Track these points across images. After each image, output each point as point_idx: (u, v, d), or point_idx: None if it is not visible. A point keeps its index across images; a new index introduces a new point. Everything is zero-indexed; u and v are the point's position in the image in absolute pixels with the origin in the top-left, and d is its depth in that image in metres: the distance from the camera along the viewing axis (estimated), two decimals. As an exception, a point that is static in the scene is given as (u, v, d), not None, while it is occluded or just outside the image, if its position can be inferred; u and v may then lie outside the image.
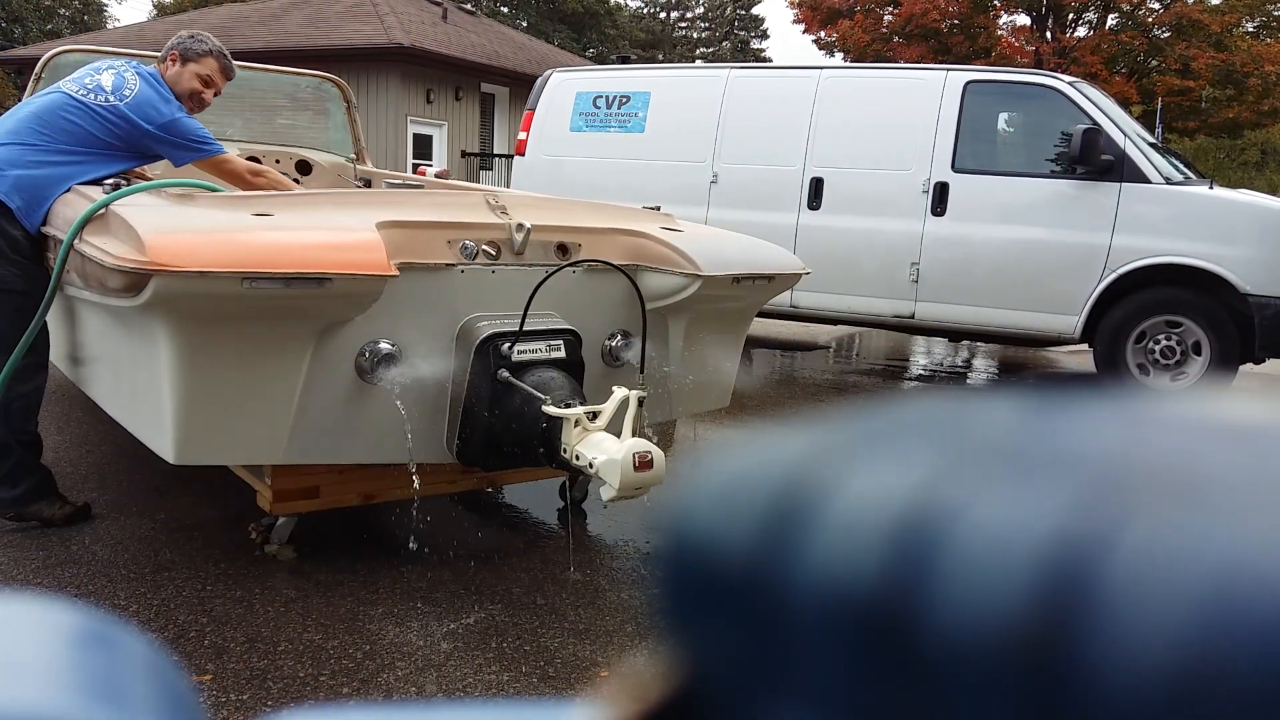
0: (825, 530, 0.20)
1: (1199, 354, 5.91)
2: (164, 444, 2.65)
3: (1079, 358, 7.44)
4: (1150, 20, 22.76)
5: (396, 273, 2.57)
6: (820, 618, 0.19)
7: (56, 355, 3.39)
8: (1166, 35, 22.65)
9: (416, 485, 2.85)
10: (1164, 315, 5.98)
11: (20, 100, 3.71)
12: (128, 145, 3.24)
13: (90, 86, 3.22)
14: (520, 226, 2.96)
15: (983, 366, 7.93)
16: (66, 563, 2.93)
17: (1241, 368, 6.00)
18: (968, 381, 7.37)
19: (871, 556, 0.19)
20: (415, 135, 17.45)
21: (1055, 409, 0.22)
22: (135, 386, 2.81)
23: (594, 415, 2.69)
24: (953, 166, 6.44)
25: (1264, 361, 6.06)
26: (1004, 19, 24.71)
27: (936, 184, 6.45)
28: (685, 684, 0.22)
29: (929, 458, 0.20)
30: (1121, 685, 0.16)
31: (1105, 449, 0.20)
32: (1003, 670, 0.17)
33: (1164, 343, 5.99)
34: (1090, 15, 23.81)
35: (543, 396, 2.71)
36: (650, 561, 0.24)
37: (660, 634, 0.22)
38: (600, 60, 27.04)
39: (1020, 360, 8.01)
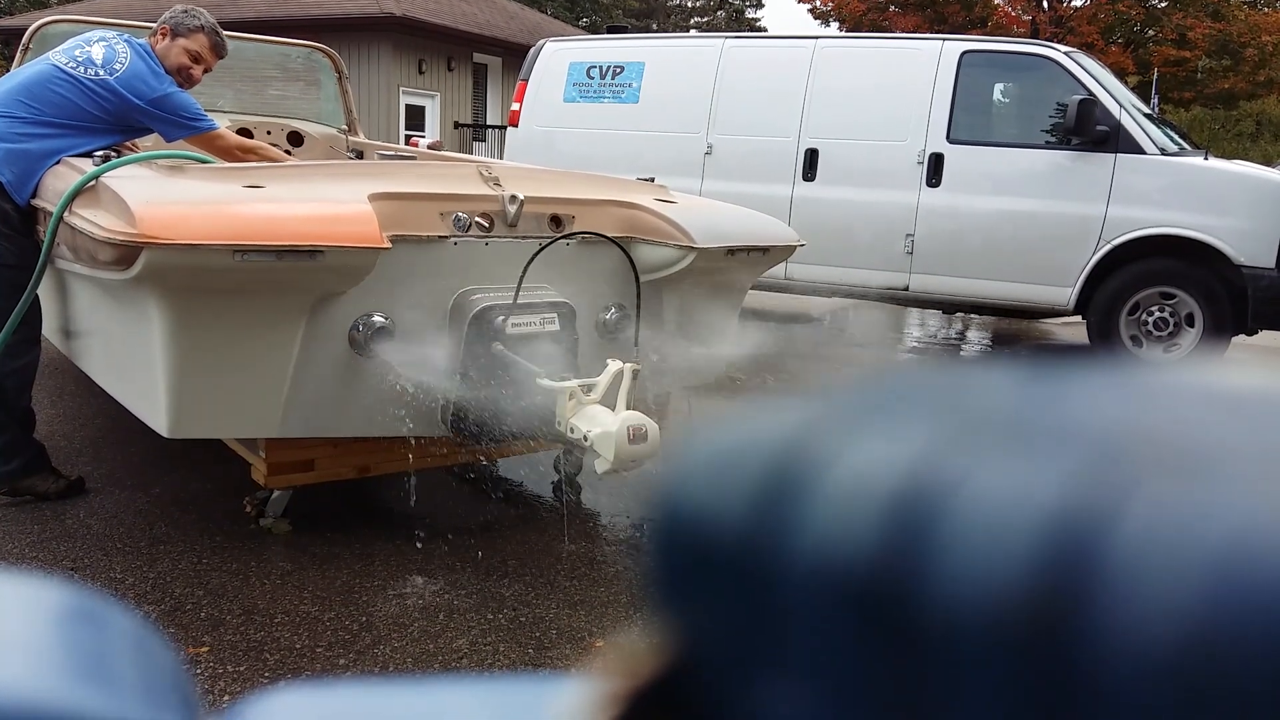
0: (821, 503, 0.20)
1: (1192, 326, 5.93)
2: (158, 417, 2.64)
3: (1072, 330, 7.45)
4: (1147, -11, 22.63)
5: (389, 245, 2.56)
6: (815, 592, 0.19)
7: (48, 329, 3.37)
8: (1163, 5, 22.52)
9: (411, 459, 2.85)
10: (1158, 287, 5.98)
11: (8, 71, 3.66)
12: (117, 120, 3.20)
13: (80, 59, 3.18)
14: (513, 198, 2.94)
15: (977, 339, 7.94)
16: (61, 537, 2.94)
17: (1234, 339, 6.02)
18: (962, 354, 7.38)
19: (868, 530, 0.19)
20: (407, 106, 17.32)
21: (1054, 380, 0.21)
22: (128, 359, 2.81)
23: (588, 388, 2.69)
24: (948, 137, 6.41)
25: (1257, 333, 6.08)
26: (1000, -12, 24.54)
27: (932, 155, 6.43)
28: (678, 658, 0.21)
29: (926, 430, 0.20)
30: (1125, 662, 0.16)
31: (1106, 420, 0.19)
32: (1003, 646, 0.17)
33: (1157, 314, 6.00)
34: (1087, -16, 23.66)
35: (537, 370, 2.71)
36: (644, 534, 0.23)
37: (653, 608, 0.22)
38: (594, 30, 26.82)
39: (1014, 332, 8.02)
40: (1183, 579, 0.16)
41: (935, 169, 6.42)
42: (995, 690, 0.17)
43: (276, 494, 3.03)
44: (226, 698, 2.18)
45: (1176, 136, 6.61)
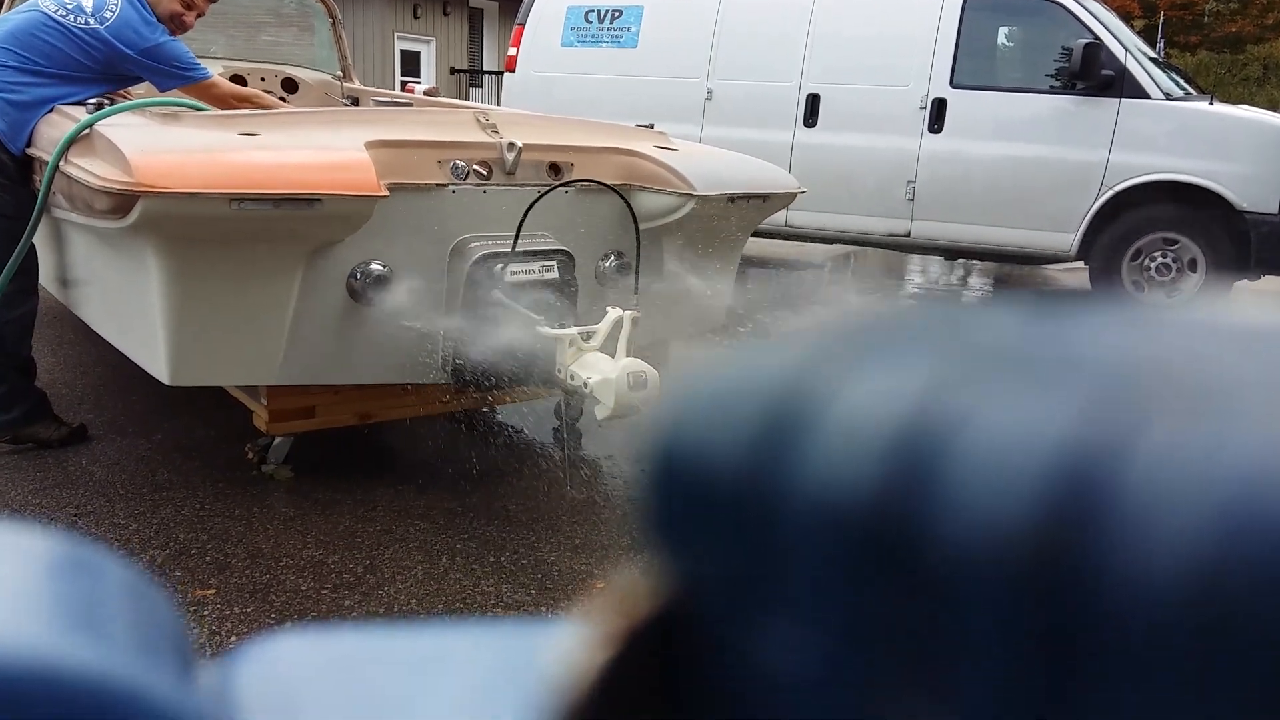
0: (821, 440, 0.19)
1: (1194, 271, 5.91)
2: (158, 365, 2.65)
3: (1074, 276, 7.43)
4: (1156, -71, 22.18)
5: (387, 193, 2.54)
6: (816, 531, 0.19)
7: (46, 278, 3.36)
8: (1172, -55, 22.10)
9: (412, 407, 2.86)
10: (1161, 233, 5.95)
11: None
12: (108, 69, 3.15)
13: (70, 6, 3.12)
14: (511, 145, 2.92)
15: (978, 285, 7.92)
16: (64, 483, 2.96)
17: (1236, 285, 6.01)
18: (963, 299, 7.36)
19: (870, 467, 0.18)
20: (403, 52, 17.07)
21: (1061, 315, 0.21)
22: (127, 308, 2.80)
23: (588, 336, 2.70)
24: (951, 82, 6.33)
25: (1259, 279, 6.06)
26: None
27: (934, 100, 6.35)
28: (676, 599, 0.21)
29: (931, 364, 0.19)
30: (1135, 600, 0.15)
31: (1115, 353, 0.19)
32: (1010, 585, 0.16)
33: (1160, 260, 5.98)
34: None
35: (537, 317, 2.71)
36: (643, 476, 0.23)
37: (651, 549, 0.22)
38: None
39: (1016, 279, 8.00)
40: (1195, 515, 0.15)
41: (938, 114, 6.35)
42: (1002, 630, 0.16)
43: (278, 440, 3.05)
44: (234, 638, 2.21)
45: (1182, 81, 6.53)
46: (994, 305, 0.22)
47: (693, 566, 0.21)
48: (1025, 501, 0.16)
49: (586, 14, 7.43)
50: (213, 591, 2.39)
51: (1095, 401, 0.17)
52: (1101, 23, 6.14)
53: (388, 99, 4.89)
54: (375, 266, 2.74)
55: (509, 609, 2.40)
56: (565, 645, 0.23)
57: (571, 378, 2.65)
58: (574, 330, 2.68)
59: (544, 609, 2.41)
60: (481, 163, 2.90)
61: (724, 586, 0.20)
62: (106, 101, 2.89)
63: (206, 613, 2.30)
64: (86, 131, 2.69)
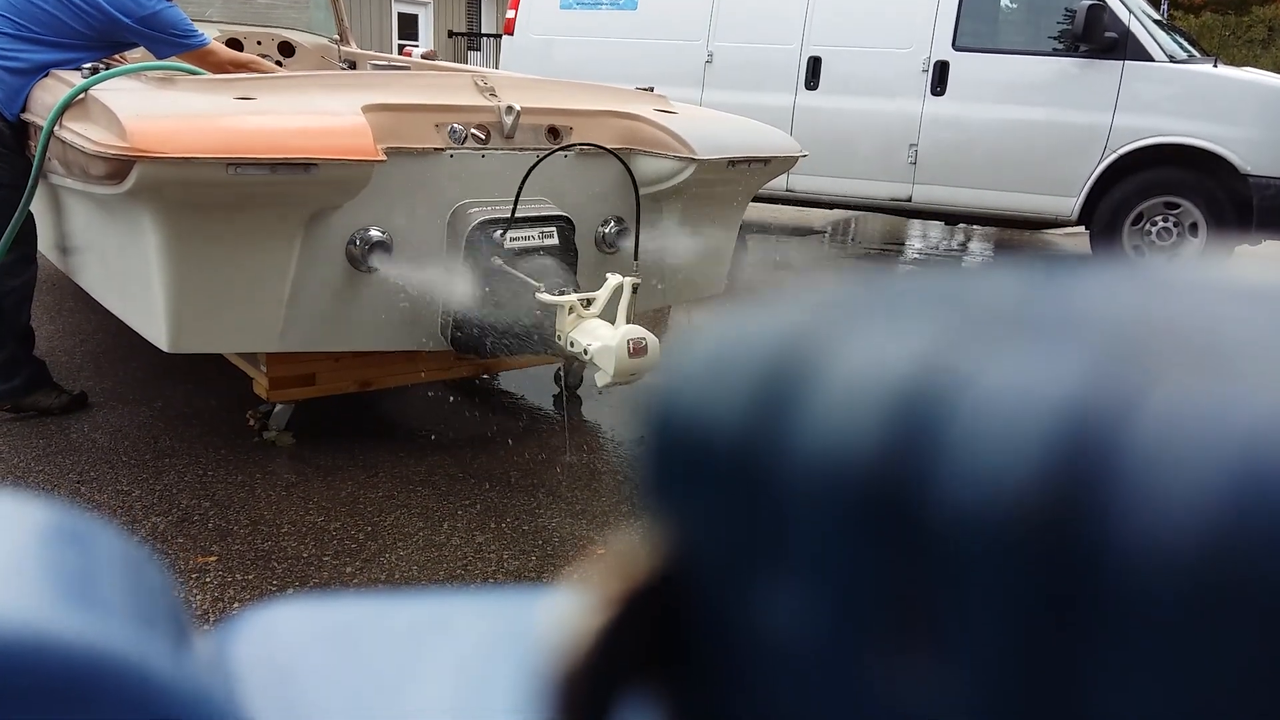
0: (822, 401, 0.19)
1: (1195, 236, 5.89)
2: (158, 332, 2.64)
3: (1075, 241, 7.40)
4: (1163, -113, 21.85)
5: (384, 158, 2.53)
6: (817, 493, 0.18)
7: (45, 245, 3.35)
8: (1178, -97, 21.78)
9: (412, 373, 2.86)
10: (1163, 197, 5.92)
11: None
12: (104, 36, 3.12)
13: None
14: (510, 109, 2.89)
15: (979, 250, 7.89)
16: (66, 450, 2.97)
17: (1237, 250, 5.99)
18: (964, 263, 7.34)
19: (872, 428, 0.18)
20: (400, 15, 16.89)
21: (1065, 274, 0.20)
22: (126, 275, 2.79)
23: (588, 302, 2.69)
24: (954, 44, 6.27)
25: (1260, 243, 6.04)
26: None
27: (937, 63, 6.29)
28: (674, 562, 0.21)
29: (933, 324, 0.19)
30: (1142, 563, 0.15)
31: (1121, 312, 0.18)
32: (1013, 548, 0.16)
33: (1161, 225, 5.95)
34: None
35: (536, 284, 2.70)
36: (642, 440, 0.23)
37: (649, 512, 0.22)
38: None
39: (1016, 244, 7.97)
40: (1203, 475, 0.15)
41: (940, 77, 6.29)
42: (1004, 594, 0.16)
43: (279, 408, 3.06)
44: (236, 605, 2.23)
45: (1186, 43, 6.46)
46: (996, 267, 0.22)
47: (691, 530, 0.21)
48: (1029, 463, 0.16)
49: (585, -24, 7.35)
50: (215, 558, 2.41)
51: (1102, 360, 0.17)
52: (1106, -16, 6.06)
53: (385, 62, 4.84)
54: (374, 233, 2.73)
55: (510, 575, 2.42)
56: (563, 610, 0.22)
57: (571, 344, 2.64)
58: (574, 297, 2.68)
59: (545, 575, 2.42)
60: (480, 126, 2.88)
61: (723, 550, 0.20)
62: (102, 66, 2.86)
63: (209, 580, 2.31)
64: (82, 96, 2.67)
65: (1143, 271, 0.20)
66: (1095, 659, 0.15)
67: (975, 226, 7.85)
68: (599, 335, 2.59)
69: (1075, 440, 0.16)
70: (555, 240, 2.86)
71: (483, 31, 18.21)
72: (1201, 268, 0.20)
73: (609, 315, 2.66)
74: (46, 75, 3.02)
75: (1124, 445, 0.16)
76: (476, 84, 3.01)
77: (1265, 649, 0.14)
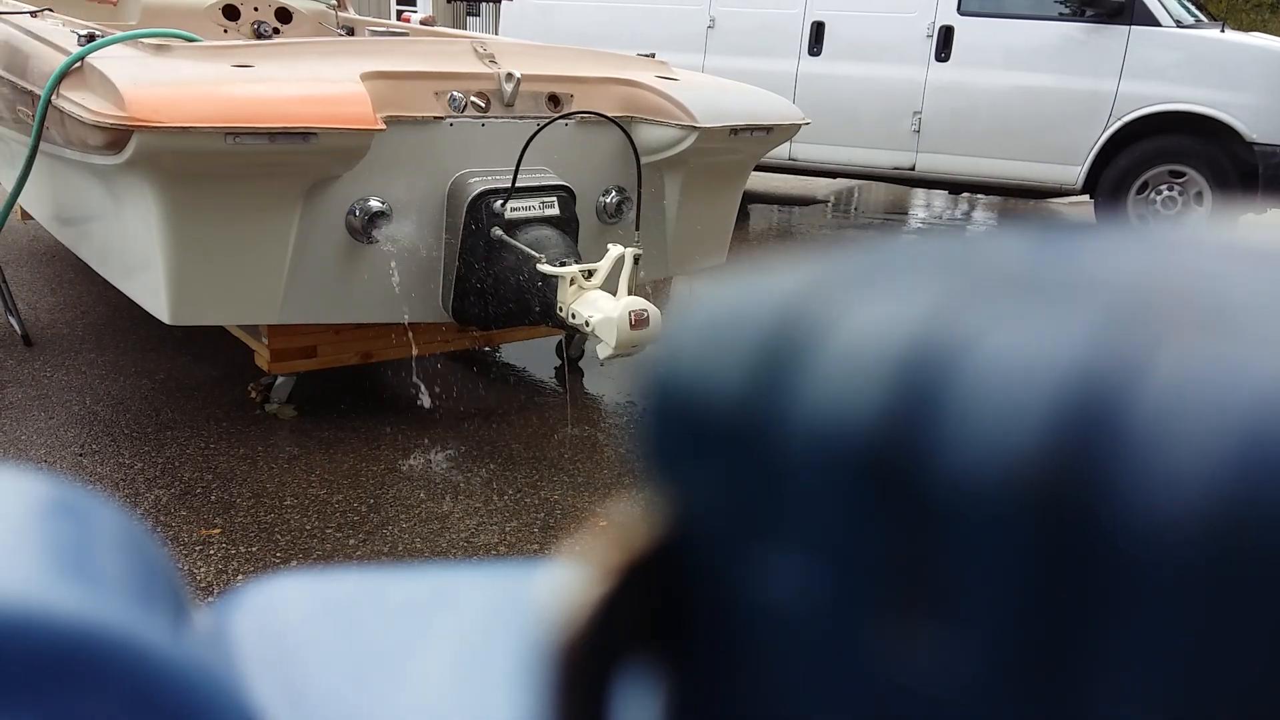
0: (823, 366, 0.18)
1: (1200, 205, 5.86)
2: (158, 305, 2.64)
3: (1079, 210, 7.37)
4: None
5: (383, 127, 2.51)
6: (817, 460, 0.18)
7: (44, 217, 3.34)
8: None
9: (413, 345, 2.86)
10: (1167, 165, 5.88)
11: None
12: None
13: None
14: (510, 76, 2.87)
15: (982, 219, 7.87)
16: (68, 423, 2.97)
17: (1241, 218, 5.96)
18: (968, 231, 7.31)
19: (874, 393, 0.18)
20: (399, -19, 16.73)
21: (1069, 237, 0.20)
22: (125, 247, 2.78)
23: (589, 273, 2.68)
24: (959, 9, 6.20)
25: (1265, 212, 6.01)
26: None
27: (941, 28, 6.23)
28: (674, 532, 0.21)
29: (936, 287, 0.19)
30: (1149, 532, 0.15)
31: (1128, 274, 0.18)
32: (1018, 516, 0.16)
33: (1165, 193, 5.92)
34: None
35: (537, 255, 2.69)
36: (642, 409, 0.22)
37: (649, 481, 0.21)
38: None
39: (1019, 213, 7.94)
40: (1213, 442, 0.15)
41: (945, 42, 6.23)
42: (1009, 562, 0.16)
43: (280, 380, 3.05)
44: (239, 577, 2.24)
45: (1193, 8, 6.40)
46: (1000, 231, 0.21)
47: (693, 501, 0.21)
48: (1034, 428, 0.16)
49: (586, -60, 7.27)
50: (218, 531, 2.41)
51: (1108, 323, 0.16)
52: (1113, -53, 5.99)
53: (384, 29, 4.80)
54: (373, 203, 2.71)
55: (512, 548, 2.42)
56: (562, 582, 0.22)
57: (573, 316, 2.64)
58: (575, 268, 2.66)
59: (548, 546, 2.43)
60: (479, 94, 2.85)
61: (724, 521, 0.20)
62: (98, 33, 2.83)
63: (212, 552, 2.32)
64: (78, 65, 2.64)
65: (1148, 234, 0.20)
66: (1100, 628, 0.15)
67: (979, 196, 7.82)
68: (600, 307, 2.59)
69: (1080, 405, 0.16)
70: (556, 210, 2.84)
71: (482, -2, 18.05)
72: (1207, 230, 0.20)
73: (611, 286, 2.65)
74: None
75: (1130, 409, 0.15)
76: (476, 51, 2.98)
77: (1275, 615, 0.14)
